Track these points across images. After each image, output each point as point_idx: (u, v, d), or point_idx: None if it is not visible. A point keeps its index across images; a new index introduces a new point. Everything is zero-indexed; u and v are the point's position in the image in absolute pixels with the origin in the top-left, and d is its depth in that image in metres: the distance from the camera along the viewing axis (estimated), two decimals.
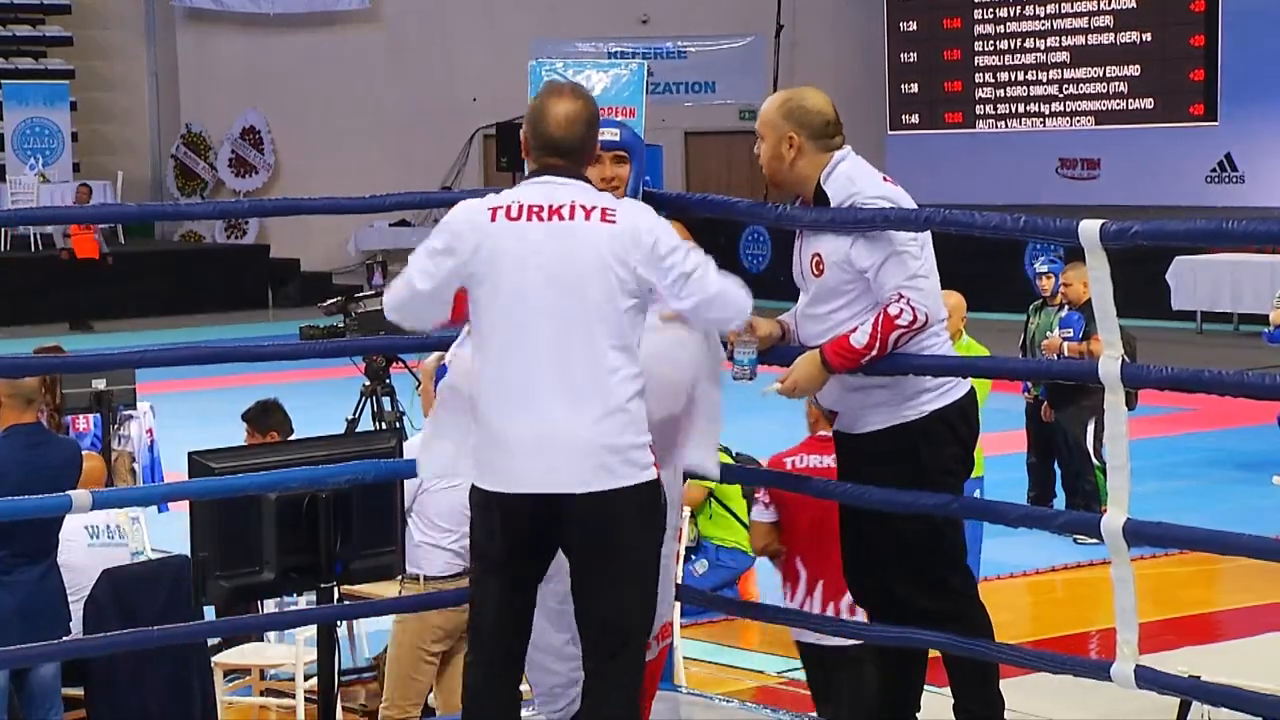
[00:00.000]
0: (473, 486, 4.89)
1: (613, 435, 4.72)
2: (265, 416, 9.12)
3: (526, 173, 4.93)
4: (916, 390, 5.24)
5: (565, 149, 4.83)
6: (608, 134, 5.34)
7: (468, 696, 4.97)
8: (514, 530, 4.82)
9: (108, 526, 7.76)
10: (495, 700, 4.94)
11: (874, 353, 5.10)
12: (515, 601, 4.91)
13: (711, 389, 5.30)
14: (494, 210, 4.79)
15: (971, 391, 5.38)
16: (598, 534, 4.76)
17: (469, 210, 4.84)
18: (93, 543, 7.46)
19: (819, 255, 5.25)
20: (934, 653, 5.55)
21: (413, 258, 4.88)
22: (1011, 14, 27.60)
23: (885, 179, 5.32)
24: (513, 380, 4.75)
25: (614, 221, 4.75)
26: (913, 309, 5.08)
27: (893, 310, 5.08)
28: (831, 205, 5.25)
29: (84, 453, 7.33)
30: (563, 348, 4.71)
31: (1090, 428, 11.30)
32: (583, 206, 4.76)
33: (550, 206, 4.75)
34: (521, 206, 4.77)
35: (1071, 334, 11.36)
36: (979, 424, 5.44)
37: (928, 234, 5.23)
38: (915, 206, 5.25)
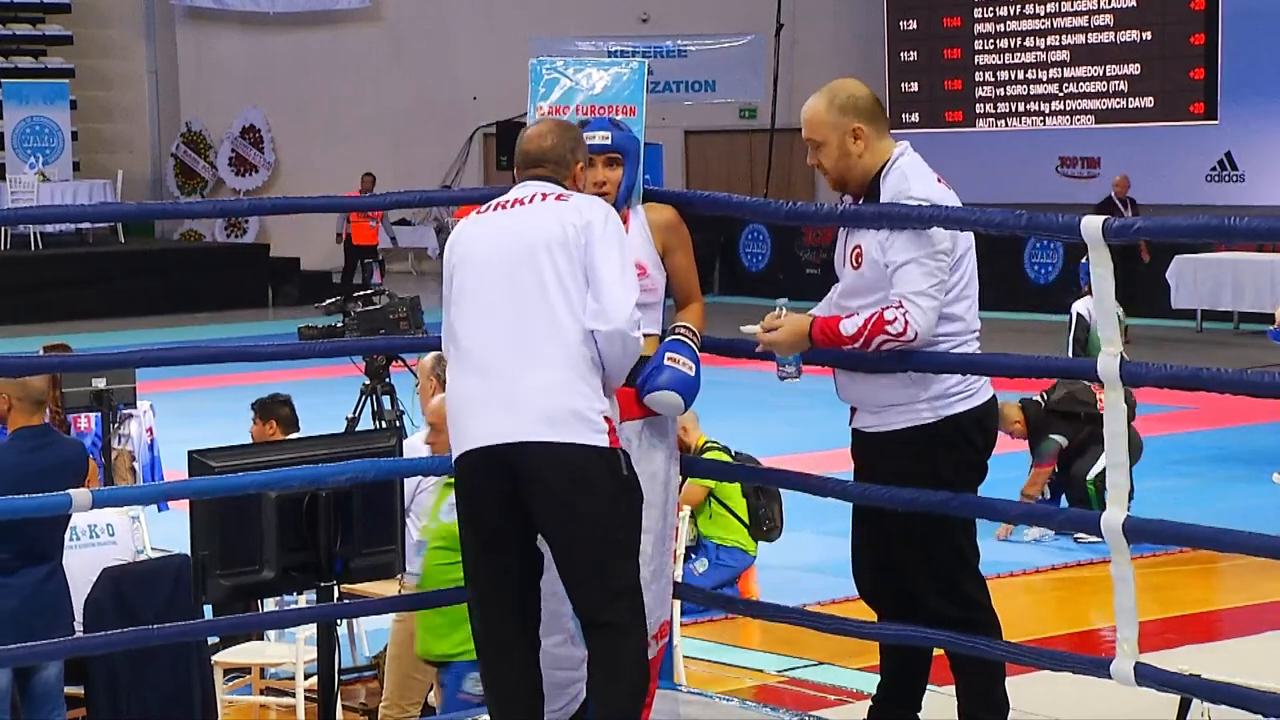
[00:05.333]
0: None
1: (561, 394, 4.90)
2: (271, 406, 9.16)
3: None
4: (935, 393, 5.22)
5: (539, 158, 5.15)
6: (599, 137, 5.38)
7: (483, 676, 5.14)
8: (473, 491, 5.00)
9: (90, 527, 7.74)
10: (508, 675, 5.06)
11: (856, 346, 5.11)
12: (494, 570, 5.02)
13: (663, 548, 5.39)
14: (472, 213, 5.19)
15: (992, 399, 5.36)
16: (551, 488, 4.89)
17: (459, 224, 5.24)
18: (71, 545, 7.42)
19: (860, 248, 5.23)
20: (938, 651, 5.56)
21: None
22: (1011, 13, 27.59)
23: (939, 180, 5.29)
24: (471, 350, 5.01)
25: (566, 201, 5.04)
26: (906, 322, 5.06)
27: (889, 315, 5.07)
28: (882, 201, 5.22)
29: None
30: (517, 316, 4.95)
31: (1096, 466, 11.27)
32: (543, 194, 5.08)
33: (516, 199, 5.10)
34: (494, 204, 5.15)
35: None
36: (996, 434, 5.43)
37: (969, 246, 5.20)
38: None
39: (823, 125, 5.27)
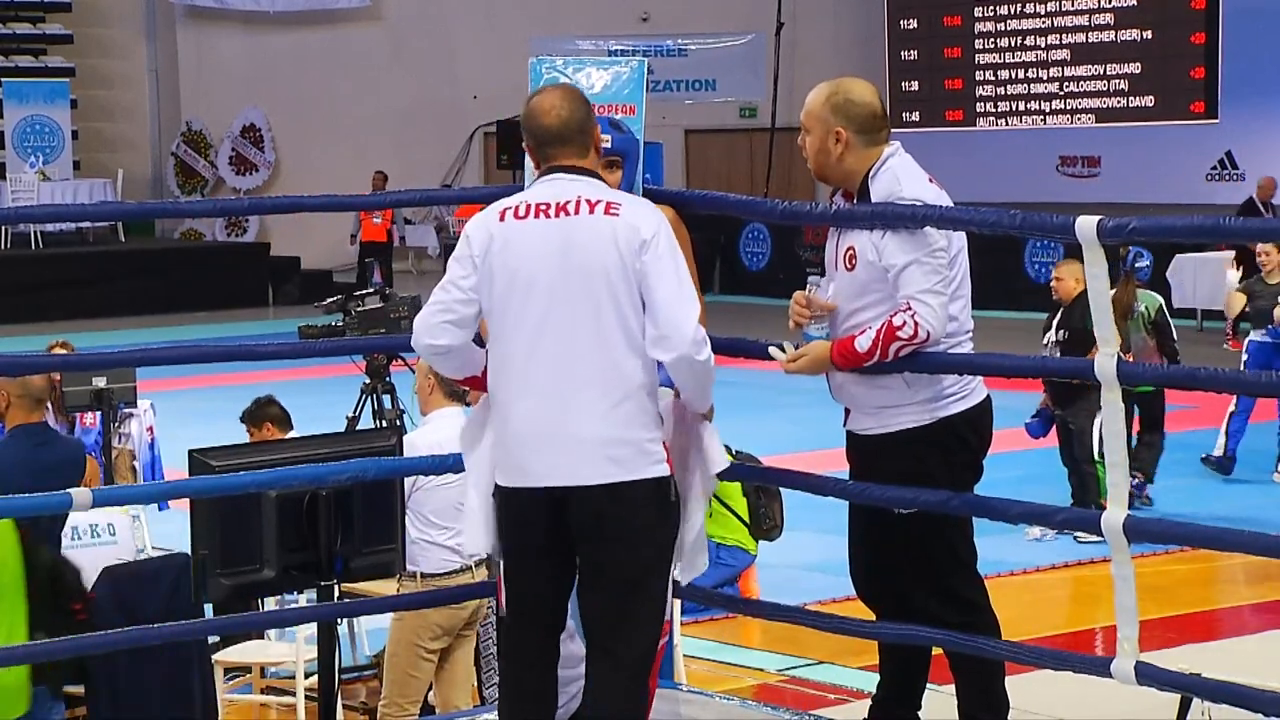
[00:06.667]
0: (495, 485, 4.95)
1: (622, 427, 4.75)
2: (258, 411, 9.16)
3: (538, 175, 4.98)
4: (929, 395, 5.23)
5: (562, 135, 4.88)
6: None
7: (502, 684, 5.05)
8: (524, 527, 4.86)
9: (92, 526, 7.74)
10: (529, 688, 4.98)
11: (874, 359, 5.10)
12: (538, 605, 4.93)
13: (696, 509, 5.26)
14: (503, 211, 4.89)
15: (986, 400, 5.36)
16: (609, 528, 4.78)
17: (480, 216, 4.94)
18: (72, 544, 7.42)
19: (853, 249, 5.23)
20: (937, 651, 5.56)
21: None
22: (1012, 11, 27.60)
23: (930, 180, 5.29)
24: (523, 374, 4.80)
25: (617, 214, 4.79)
26: (916, 323, 5.05)
27: (897, 321, 5.07)
28: (873, 201, 5.23)
29: None
30: (571, 341, 4.76)
31: (1097, 422, 11.28)
32: (588, 201, 4.81)
33: (557, 204, 4.82)
34: (529, 206, 4.85)
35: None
36: (990, 436, 5.43)
37: (962, 246, 5.21)
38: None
39: (812, 116, 5.29)
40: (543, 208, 4.82)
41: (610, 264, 4.74)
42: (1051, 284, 11.86)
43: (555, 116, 4.87)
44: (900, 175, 5.23)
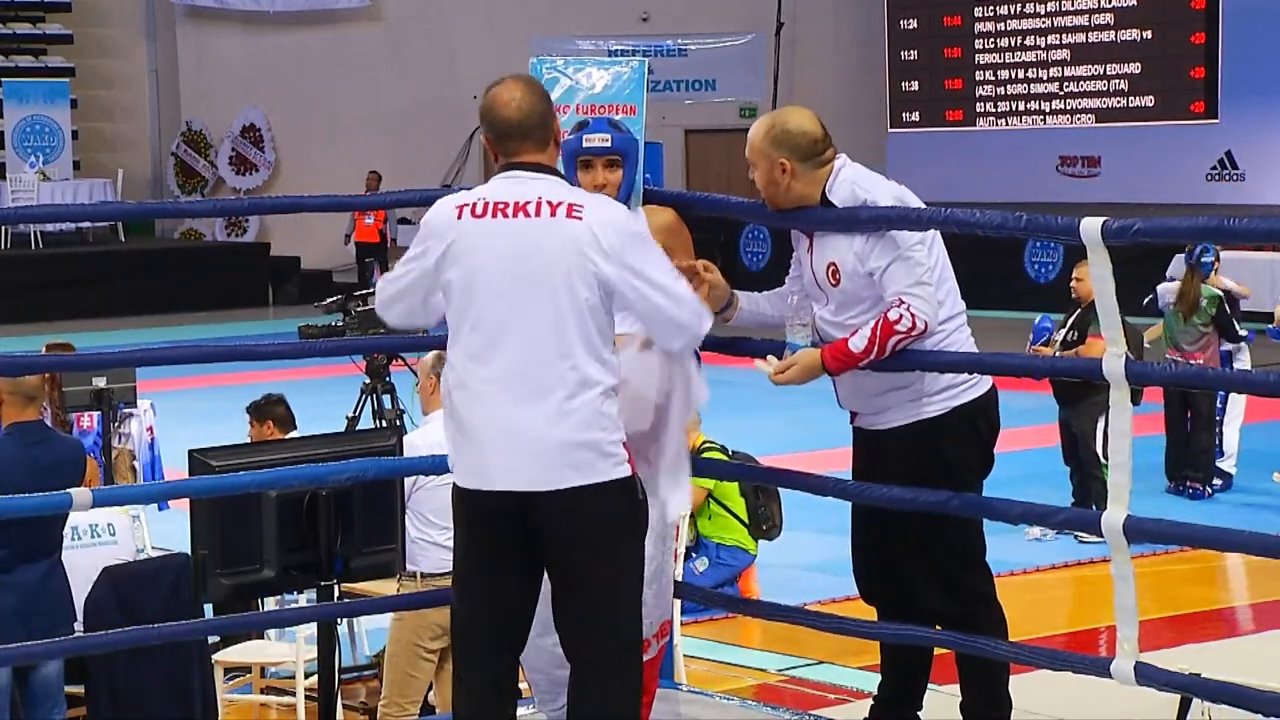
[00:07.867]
0: (453, 485, 4.88)
1: (581, 430, 4.69)
2: (266, 408, 9.16)
3: (497, 170, 4.92)
4: (939, 385, 5.27)
5: (523, 129, 4.82)
6: (598, 140, 5.35)
7: (457, 696, 4.90)
8: (486, 530, 4.78)
9: (91, 526, 7.74)
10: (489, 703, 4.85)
11: (871, 357, 5.12)
12: (499, 613, 4.84)
13: (677, 427, 5.23)
14: (460, 208, 4.81)
15: (993, 389, 5.39)
16: (572, 533, 4.71)
17: (440, 207, 4.88)
18: (72, 544, 7.42)
19: (834, 264, 5.26)
20: (939, 650, 5.56)
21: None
22: (1012, 11, 27.61)
23: (887, 179, 5.32)
24: (482, 376, 4.73)
25: (580, 218, 4.72)
26: (912, 315, 5.08)
27: (892, 316, 5.09)
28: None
29: None
30: (530, 343, 4.70)
31: (1100, 425, 11.28)
32: (549, 202, 4.74)
33: (516, 203, 4.75)
34: (487, 204, 4.78)
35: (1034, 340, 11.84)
36: (999, 422, 5.45)
37: (936, 233, 5.23)
38: (921, 204, 5.27)
39: (755, 151, 5.34)
40: (501, 207, 4.76)
41: (571, 267, 4.68)
42: (1071, 284, 11.87)
43: (515, 108, 4.83)
44: (857, 181, 5.28)
